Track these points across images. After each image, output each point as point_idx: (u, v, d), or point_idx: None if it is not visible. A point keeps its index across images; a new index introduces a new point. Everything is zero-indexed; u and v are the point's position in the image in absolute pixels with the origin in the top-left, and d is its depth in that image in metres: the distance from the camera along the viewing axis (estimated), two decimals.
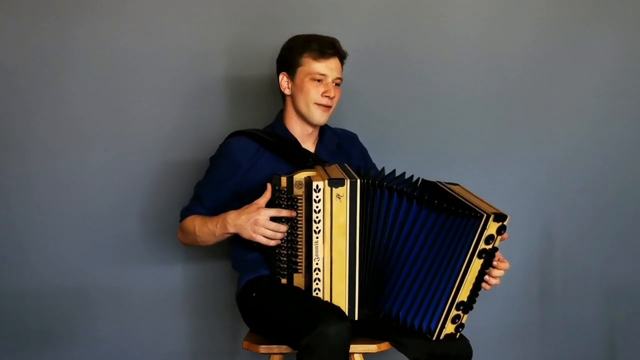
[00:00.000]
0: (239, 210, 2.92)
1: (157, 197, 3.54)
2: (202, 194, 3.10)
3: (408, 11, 3.66)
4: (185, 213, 3.12)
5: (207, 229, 2.99)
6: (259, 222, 2.86)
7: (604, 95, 3.75)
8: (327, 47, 3.07)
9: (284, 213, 2.86)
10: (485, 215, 2.67)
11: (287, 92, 3.14)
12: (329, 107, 3.10)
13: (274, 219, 2.87)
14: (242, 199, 2.99)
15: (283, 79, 3.13)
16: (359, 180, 2.78)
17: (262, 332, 2.99)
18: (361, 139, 3.39)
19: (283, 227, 2.87)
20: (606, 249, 3.79)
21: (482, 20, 3.69)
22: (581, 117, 3.75)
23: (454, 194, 2.82)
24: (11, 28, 3.44)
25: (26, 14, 3.44)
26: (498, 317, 3.75)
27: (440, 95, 3.69)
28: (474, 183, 3.64)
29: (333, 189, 2.76)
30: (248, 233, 2.89)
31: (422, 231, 2.79)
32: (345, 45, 3.33)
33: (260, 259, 3.03)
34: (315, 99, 3.08)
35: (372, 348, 2.91)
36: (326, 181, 2.76)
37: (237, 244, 3.10)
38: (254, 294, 2.99)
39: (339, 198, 2.76)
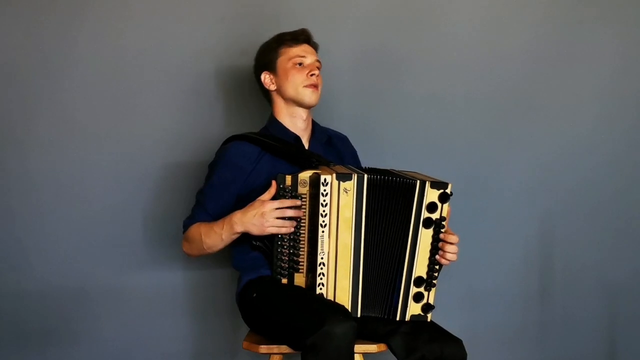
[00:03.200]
0: (244, 209, 2.92)
1: (158, 197, 3.54)
2: (204, 201, 3.08)
3: (405, 13, 3.68)
4: (188, 222, 3.09)
5: (213, 233, 2.97)
6: (265, 215, 2.86)
7: (603, 95, 3.77)
8: (298, 35, 3.18)
9: (287, 203, 2.87)
10: (419, 181, 2.78)
11: (272, 87, 3.18)
12: (317, 86, 3.14)
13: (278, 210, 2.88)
14: (246, 202, 2.97)
15: (266, 78, 3.19)
16: (366, 175, 2.81)
17: (263, 332, 2.98)
18: (358, 140, 3.41)
19: (289, 212, 2.87)
20: (605, 249, 3.81)
21: (480, 22, 3.71)
22: (580, 117, 3.77)
23: (402, 173, 2.90)
24: (11, 28, 3.44)
25: (26, 14, 3.45)
26: (497, 317, 3.77)
27: (438, 96, 3.71)
28: (473, 183, 3.67)
29: (340, 182, 2.78)
30: (258, 228, 2.89)
31: (383, 214, 2.85)
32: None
33: (261, 259, 3.02)
34: (302, 82, 3.12)
35: (372, 348, 2.91)
36: (334, 175, 2.79)
37: (238, 243, 3.08)
38: (254, 294, 2.98)
39: (346, 192, 2.78)
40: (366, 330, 2.90)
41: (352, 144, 3.39)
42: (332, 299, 2.84)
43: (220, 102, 3.56)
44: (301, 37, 3.17)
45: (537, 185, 3.76)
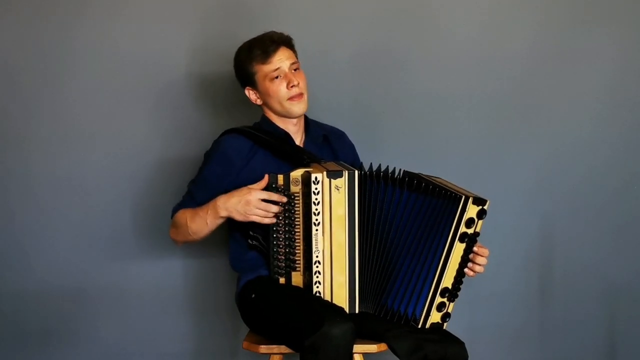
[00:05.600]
0: (228, 194, 2.93)
1: (158, 197, 3.53)
2: (194, 191, 3.09)
3: (405, 13, 3.67)
4: (176, 208, 3.10)
5: (198, 217, 2.97)
6: (250, 202, 2.86)
7: (602, 95, 3.75)
8: (267, 46, 3.06)
9: (274, 197, 2.87)
10: (464, 196, 2.74)
11: (259, 102, 3.15)
12: (301, 95, 3.09)
13: (265, 202, 2.88)
14: None
15: (251, 94, 3.15)
16: (356, 172, 2.82)
17: (263, 332, 2.99)
18: (357, 140, 3.40)
19: (274, 208, 2.87)
20: (606, 249, 3.79)
21: (480, 22, 3.70)
22: (579, 117, 3.75)
23: (436, 182, 2.88)
24: (11, 28, 3.46)
25: (26, 14, 3.46)
26: (497, 318, 3.76)
27: (438, 96, 3.70)
28: (473, 182, 3.65)
29: (332, 180, 2.79)
30: (241, 215, 2.89)
31: (410, 217, 2.84)
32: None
33: (259, 259, 3.03)
34: (285, 96, 3.07)
35: (371, 348, 2.91)
36: (325, 173, 2.79)
37: (235, 242, 3.10)
38: (253, 295, 2.98)
39: (338, 189, 2.79)
40: (365, 330, 2.89)
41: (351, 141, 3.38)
42: (330, 296, 2.85)
43: (211, 100, 3.57)
44: (271, 48, 3.06)
45: (537, 185, 3.75)
